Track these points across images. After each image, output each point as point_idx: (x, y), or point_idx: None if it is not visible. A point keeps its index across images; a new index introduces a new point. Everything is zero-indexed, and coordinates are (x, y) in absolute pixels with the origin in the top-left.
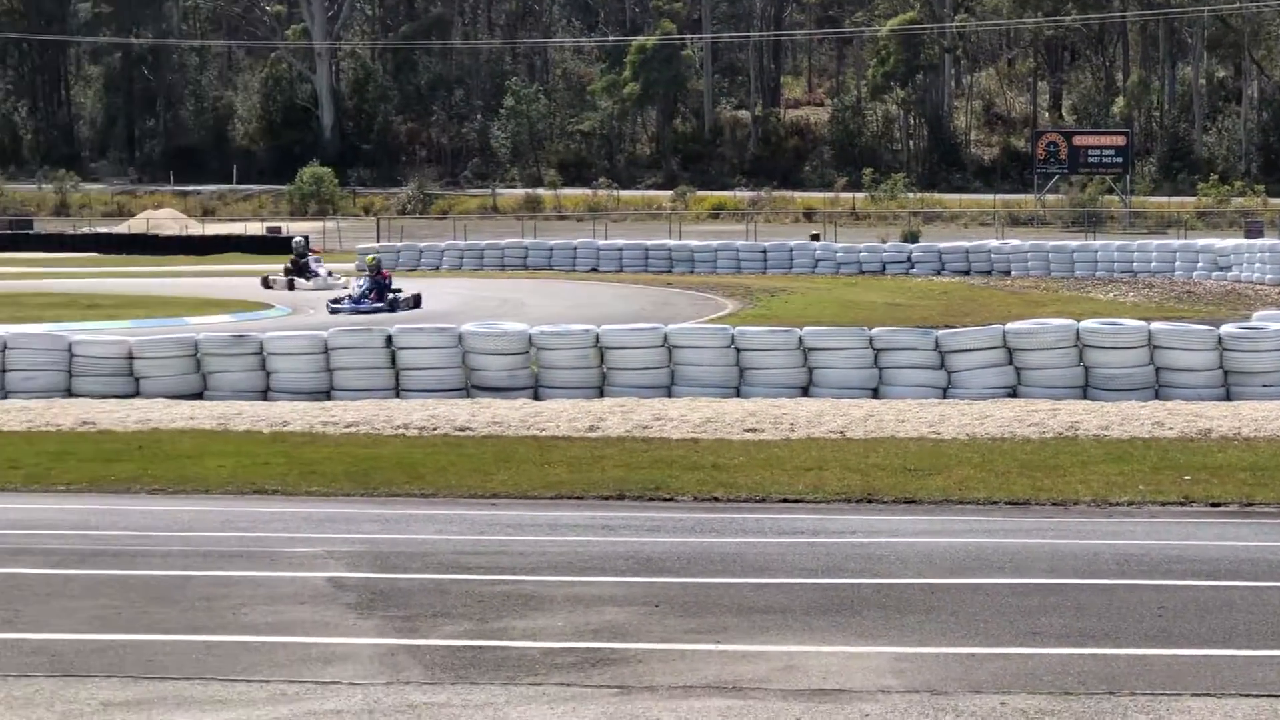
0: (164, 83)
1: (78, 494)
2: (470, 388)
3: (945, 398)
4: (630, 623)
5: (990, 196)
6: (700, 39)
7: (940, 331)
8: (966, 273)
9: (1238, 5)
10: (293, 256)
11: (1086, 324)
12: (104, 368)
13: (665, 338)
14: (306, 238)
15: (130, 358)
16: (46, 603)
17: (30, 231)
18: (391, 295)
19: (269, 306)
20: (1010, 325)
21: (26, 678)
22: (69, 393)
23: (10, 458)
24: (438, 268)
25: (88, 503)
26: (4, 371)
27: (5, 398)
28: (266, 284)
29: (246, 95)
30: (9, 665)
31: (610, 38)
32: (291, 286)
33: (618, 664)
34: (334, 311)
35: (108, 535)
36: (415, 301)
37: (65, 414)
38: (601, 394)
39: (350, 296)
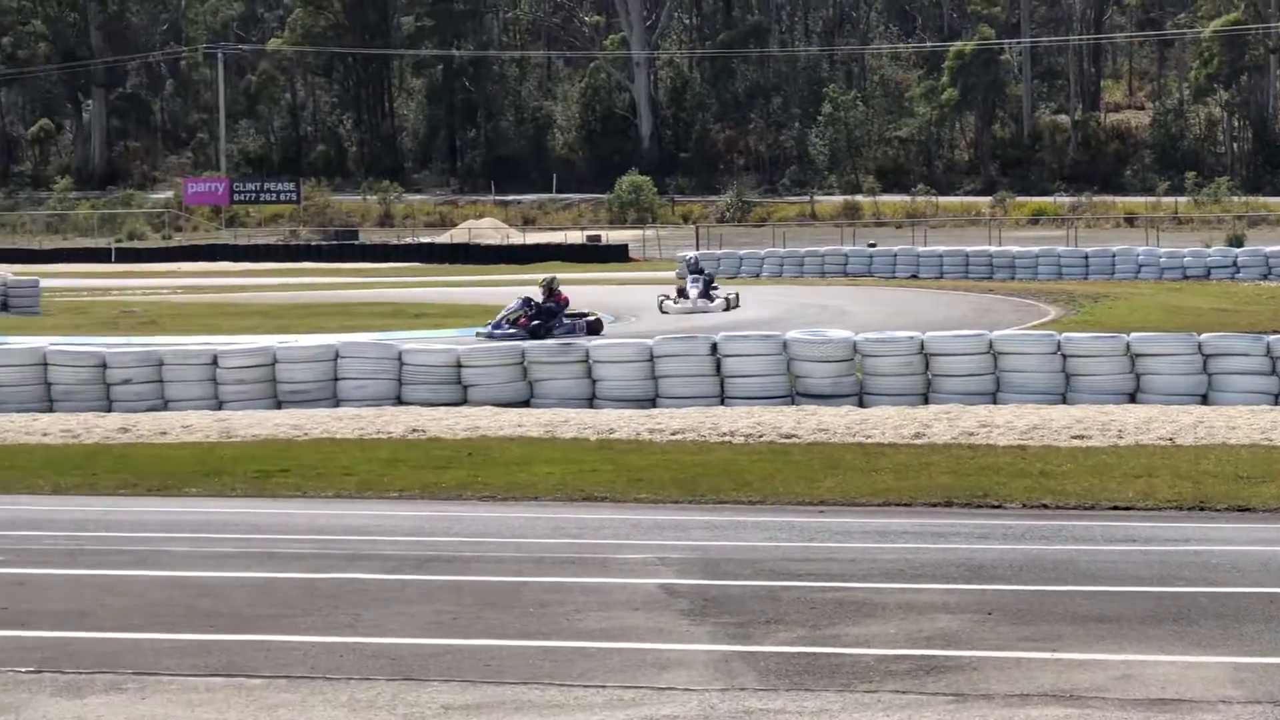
0: (484, 94)
1: (410, 500)
2: (795, 395)
3: (1277, 404)
4: (963, 630)
5: None
6: (1019, 43)
7: (1272, 337)
8: None
9: None
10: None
11: None
12: (433, 376)
13: (990, 344)
14: (695, 256)
15: (458, 366)
16: (385, 607)
17: (355, 242)
18: (536, 322)
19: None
20: None
21: (368, 681)
22: (399, 400)
23: (344, 465)
24: (758, 275)
25: (420, 509)
26: (336, 380)
27: (337, 405)
28: (664, 309)
29: (566, 105)
30: (351, 668)
31: (928, 43)
32: (663, 309)
33: (952, 671)
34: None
35: (441, 541)
36: (591, 328)
37: (396, 421)
38: (926, 401)
39: (495, 322)
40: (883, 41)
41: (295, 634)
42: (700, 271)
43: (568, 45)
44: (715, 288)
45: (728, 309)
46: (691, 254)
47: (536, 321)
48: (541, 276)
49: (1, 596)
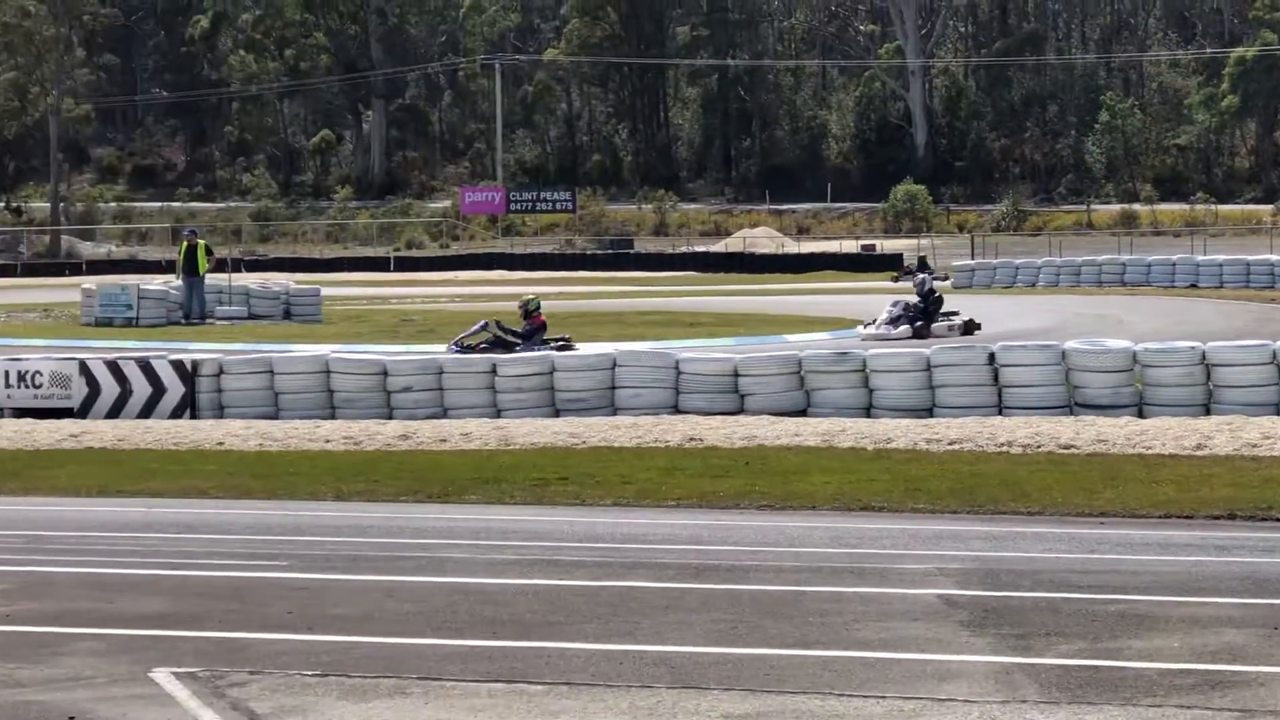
0: (759, 103)
1: (687, 509)
2: (1073, 405)
3: None
4: (1249, 645)
5: None
6: None
7: None
8: None
9: None
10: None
11: None
12: (709, 385)
13: (1274, 355)
14: (924, 277)
15: (735, 375)
16: (663, 615)
17: (630, 251)
18: (484, 346)
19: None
20: None
21: (648, 688)
22: (675, 409)
23: (622, 473)
24: (1033, 284)
25: (697, 517)
26: (613, 389)
27: (614, 414)
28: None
29: (840, 114)
30: (631, 676)
31: (1208, 50)
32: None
33: (1239, 687)
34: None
35: (718, 550)
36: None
37: (673, 430)
38: (1207, 411)
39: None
40: (1161, 48)
41: (576, 641)
42: (927, 295)
43: (842, 54)
44: (953, 314)
45: (915, 336)
46: (921, 274)
47: (484, 345)
48: (524, 295)
49: (287, 601)
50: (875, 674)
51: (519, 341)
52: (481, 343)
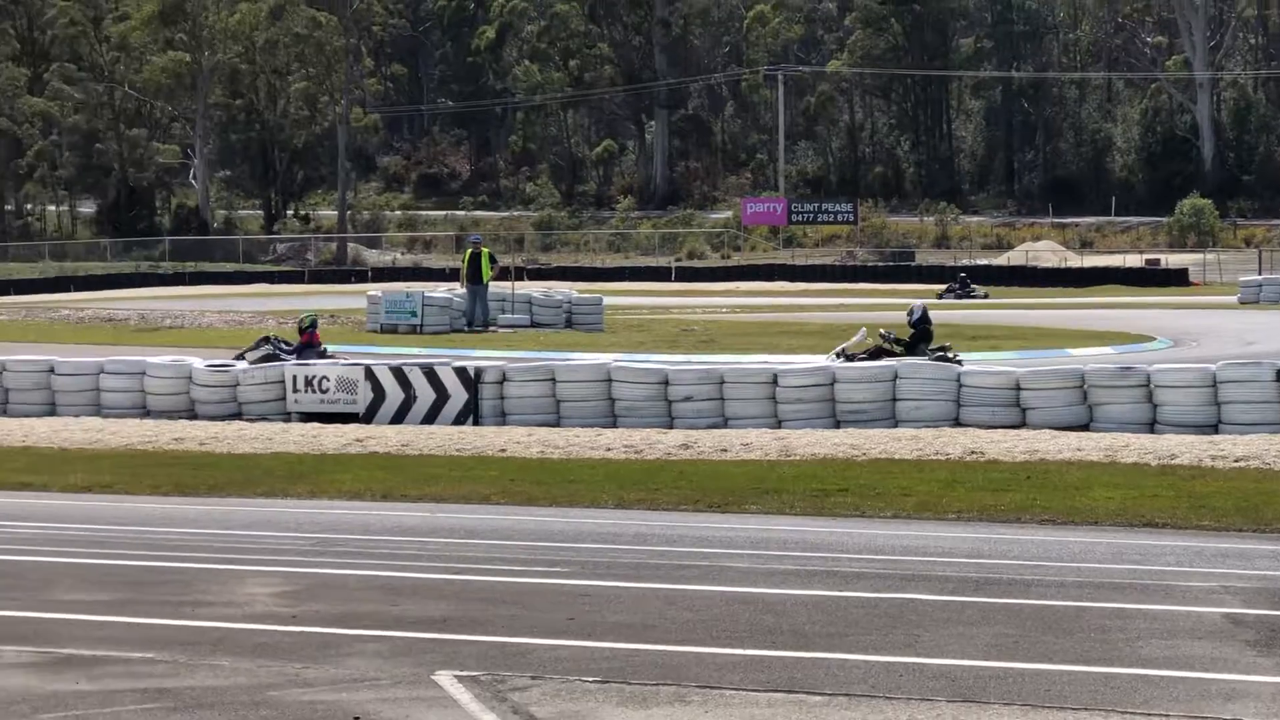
0: (1043, 115)
1: (967, 522)
2: None
3: None
4: None
5: None
6: None
7: None
8: None
9: None
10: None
11: None
12: (990, 398)
13: None
14: (919, 304)
15: (1017, 388)
16: (943, 628)
17: (911, 263)
18: (271, 352)
19: (1150, 339)
20: None
21: (927, 701)
22: (957, 422)
23: (902, 485)
24: None
25: (977, 531)
26: (894, 400)
27: (895, 426)
28: None
29: (1125, 127)
30: (911, 688)
31: None
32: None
33: None
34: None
35: (998, 564)
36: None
37: (953, 443)
38: None
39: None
40: None
41: (854, 652)
42: (916, 325)
43: (1128, 66)
44: (940, 349)
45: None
46: (919, 301)
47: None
48: (301, 313)
49: (568, 607)
50: (1159, 692)
51: (291, 356)
52: (261, 358)
